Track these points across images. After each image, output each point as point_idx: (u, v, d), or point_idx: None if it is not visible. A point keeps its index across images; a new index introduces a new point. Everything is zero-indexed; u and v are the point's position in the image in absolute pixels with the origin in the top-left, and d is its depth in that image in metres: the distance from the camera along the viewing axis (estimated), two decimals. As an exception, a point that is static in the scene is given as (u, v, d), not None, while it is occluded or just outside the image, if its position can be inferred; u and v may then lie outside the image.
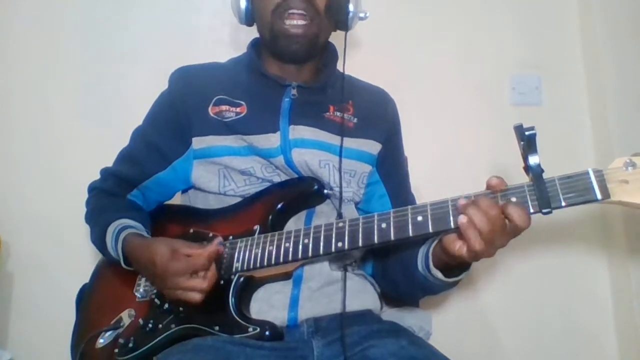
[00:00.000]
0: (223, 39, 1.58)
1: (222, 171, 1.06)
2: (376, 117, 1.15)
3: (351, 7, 1.09)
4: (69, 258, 1.48)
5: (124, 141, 1.16)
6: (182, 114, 1.08)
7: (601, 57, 1.59)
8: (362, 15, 1.11)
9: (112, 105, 1.55)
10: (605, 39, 1.59)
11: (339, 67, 1.14)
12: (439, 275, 0.91)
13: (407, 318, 1.12)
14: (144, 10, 1.61)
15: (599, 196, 0.76)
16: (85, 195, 1.16)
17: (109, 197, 1.12)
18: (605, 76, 1.57)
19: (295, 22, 1.03)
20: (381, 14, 1.59)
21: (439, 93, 1.62)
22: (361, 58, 1.41)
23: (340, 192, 1.03)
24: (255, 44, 1.15)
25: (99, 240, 1.06)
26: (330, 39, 1.15)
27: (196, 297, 0.91)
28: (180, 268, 0.90)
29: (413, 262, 0.96)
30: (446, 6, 1.66)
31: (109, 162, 1.16)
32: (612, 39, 1.58)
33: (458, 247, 0.83)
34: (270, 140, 1.04)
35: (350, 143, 1.08)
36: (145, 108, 1.16)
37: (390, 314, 1.13)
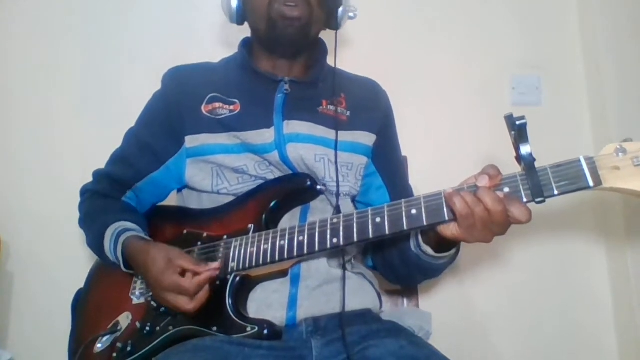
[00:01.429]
0: (222, 38, 1.58)
1: (215, 170, 1.05)
2: (369, 108, 1.15)
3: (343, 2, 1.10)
4: (69, 258, 1.47)
5: (123, 141, 1.16)
6: (175, 113, 1.08)
7: (601, 57, 1.59)
8: (351, 14, 1.12)
9: (112, 105, 1.55)
10: (605, 39, 1.59)
11: (330, 62, 1.14)
12: (429, 251, 0.93)
13: (407, 318, 1.12)
14: (143, 10, 1.61)
15: (591, 183, 0.76)
16: (85, 195, 1.16)
17: (104, 199, 1.11)
18: (605, 76, 1.57)
19: (291, 7, 1.02)
20: (380, 14, 1.60)
21: (439, 93, 1.62)
22: (359, 59, 1.41)
23: (337, 187, 1.03)
24: (246, 43, 1.15)
25: (96, 243, 1.06)
26: (327, 39, 1.15)
27: (185, 310, 0.91)
28: (169, 284, 0.91)
29: (406, 244, 0.97)
30: (446, 6, 1.66)
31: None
32: (612, 39, 1.58)
33: (451, 230, 0.84)
34: (264, 136, 1.04)
35: (345, 136, 1.08)
36: (145, 108, 1.16)
37: (390, 314, 1.13)
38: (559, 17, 1.68)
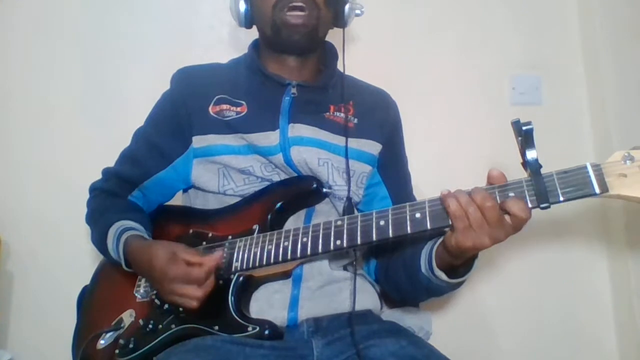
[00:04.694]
0: (222, 39, 1.58)
1: (221, 170, 1.06)
2: (377, 117, 1.15)
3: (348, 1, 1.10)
4: (69, 258, 1.47)
5: (123, 141, 1.16)
6: (182, 113, 1.08)
7: (601, 57, 1.59)
8: (357, 12, 1.12)
9: (112, 105, 1.55)
10: (605, 39, 1.59)
11: (340, 67, 1.14)
12: (443, 276, 0.91)
13: (407, 318, 1.12)
14: (143, 11, 1.60)
15: (597, 190, 0.76)
16: (86, 195, 1.16)
17: (111, 197, 1.12)
18: (605, 76, 1.57)
19: (295, 13, 1.03)
20: (380, 13, 1.60)
21: (439, 93, 1.62)
22: (361, 59, 1.40)
23: (349, 194, 1.03)
24: (255, 45, 1.16)
25: (99, 241, 1.06)
26: (329, 38, 1.15)
27: (192, 304, 0.91)
28: (177, 274, 0.90)
29: (416, 264, 0.96)
30: (446, 6, 1.66)
31: (109, 162, 1.16)
32: (612, 39, 1.58)
33: (454, 237, 0.83)
34: (270, 138, 1.04)
35: (350, 143, 1.07)
36: (146, 108, 1.16)
37: (390, 314, 1.13)
38: (559, 17, 1.68)
